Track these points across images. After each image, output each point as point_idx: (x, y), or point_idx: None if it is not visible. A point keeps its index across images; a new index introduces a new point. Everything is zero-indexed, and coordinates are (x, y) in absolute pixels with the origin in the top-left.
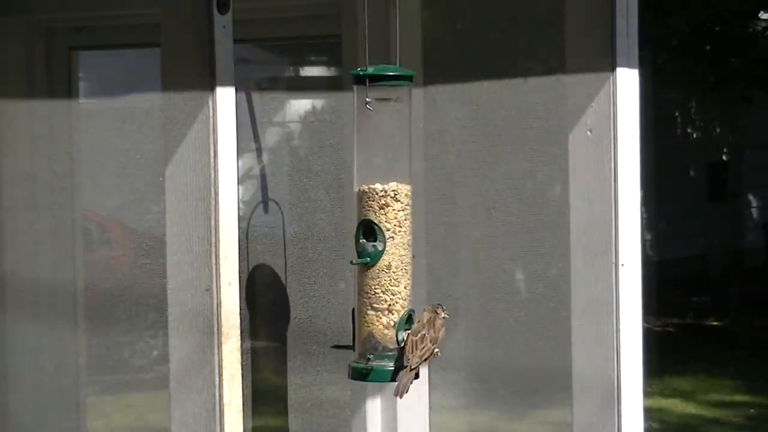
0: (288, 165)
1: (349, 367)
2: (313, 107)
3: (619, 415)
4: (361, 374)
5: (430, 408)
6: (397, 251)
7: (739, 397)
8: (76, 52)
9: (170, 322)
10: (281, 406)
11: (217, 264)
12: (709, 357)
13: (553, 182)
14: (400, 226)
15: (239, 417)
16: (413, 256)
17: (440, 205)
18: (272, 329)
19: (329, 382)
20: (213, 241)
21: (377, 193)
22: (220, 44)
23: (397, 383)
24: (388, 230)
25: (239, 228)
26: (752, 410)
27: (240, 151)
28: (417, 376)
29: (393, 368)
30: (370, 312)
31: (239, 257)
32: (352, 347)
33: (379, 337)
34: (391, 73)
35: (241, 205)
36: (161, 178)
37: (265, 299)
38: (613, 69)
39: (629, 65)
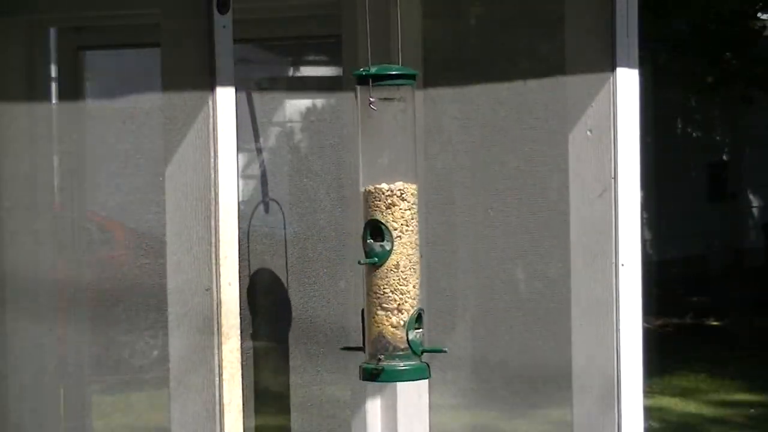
0: (288, 165)
1: (360, 369)
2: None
3: (620, 415)
4: (372, 375)
5: (430, 408)
6: (404, 250)
7: (739, 397)
8: (76, 52)
9: (170, 322)
10: (281, 406)
11: (217, 264)
12: (709, 357)
13: (553, 182)
14: (407, 226)
15: (239, 417)
16: (421, 256)
17: (439, 205)
18: (272, 329)
19: (329, 382)
20: (213, 241)
21: (384, 193)
22: (220, 44)
23: None
24: (396, 230)
25: (239, 228)
26: (752, 410)
27: (240, 151)
28: None
29: (404, 368)
30: (380, 312)
31: (239, 257)
32: (362, 349)
33: (389, 337)
34: (395, 73)
35: (241, 205)
36: (161, 178)
37: (265, 299)
38: (613, 69)
39: (629, 65)
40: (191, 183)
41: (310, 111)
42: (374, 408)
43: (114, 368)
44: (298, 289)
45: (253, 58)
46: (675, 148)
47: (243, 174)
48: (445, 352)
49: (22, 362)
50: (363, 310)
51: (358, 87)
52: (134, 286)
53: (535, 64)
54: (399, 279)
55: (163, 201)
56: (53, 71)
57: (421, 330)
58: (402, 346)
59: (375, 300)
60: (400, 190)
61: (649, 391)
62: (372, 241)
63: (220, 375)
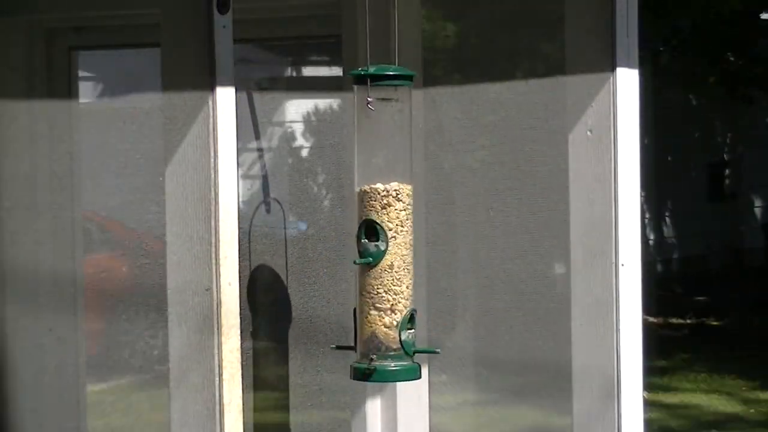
0: (288, 165)
1: (351, 368)
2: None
3: (619, 415)
4: (363, 375)
5: (430, 408)
6: (399, 251)
7: (739, 397)
8: (76, 52)
9: (170, 322)
10: (281, 406)
11: (217, 264)
12: (710, 357)
13: (553, 182)
14: (402, 226)
15: (239, 417)
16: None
17: (439, 204)
18: (272, 329)
19: (329, 382)
20: (213, 241)
21: (379, 193)
22: (220, 44)
23: None
24: (390, 230)
25: (239, 228)
26: (752, 410)
27: (240, 151)
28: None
29: (396, 368)
30: (373, 312)
31: (239, 257)
32: (353, 348)
33: (381, 337)
34: (392, 73)
35: (241, 205)
36: (161, 178)
37: (265, 299)
38: (613, 69)
39: (629, 65)
40: (191, 183)
41: (310, 111)
42: (374, 408)
43: (114, 368)
44: (298, 289)
45: (253, 58)
46: (675, 148)
47: (243, 174)
48: (437, 353)
49: (22, 362)
50: (355, 310)
51: (356, 87)
52: (134, 286)
53: (535, 64)
54: (393, 279)
55: (163, 201)
56: (53, 71)
57: (413, 330)
58: (394, 347)
59: (368, 300)
60: (395, 190)
61: (649, 391)
62: (366, 241)
63: (220, 375)
